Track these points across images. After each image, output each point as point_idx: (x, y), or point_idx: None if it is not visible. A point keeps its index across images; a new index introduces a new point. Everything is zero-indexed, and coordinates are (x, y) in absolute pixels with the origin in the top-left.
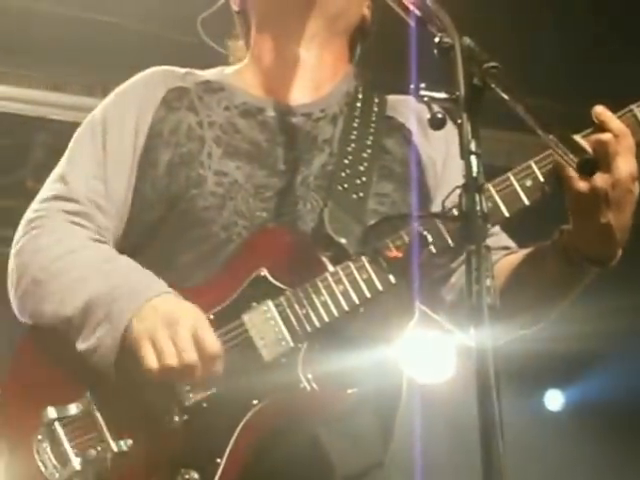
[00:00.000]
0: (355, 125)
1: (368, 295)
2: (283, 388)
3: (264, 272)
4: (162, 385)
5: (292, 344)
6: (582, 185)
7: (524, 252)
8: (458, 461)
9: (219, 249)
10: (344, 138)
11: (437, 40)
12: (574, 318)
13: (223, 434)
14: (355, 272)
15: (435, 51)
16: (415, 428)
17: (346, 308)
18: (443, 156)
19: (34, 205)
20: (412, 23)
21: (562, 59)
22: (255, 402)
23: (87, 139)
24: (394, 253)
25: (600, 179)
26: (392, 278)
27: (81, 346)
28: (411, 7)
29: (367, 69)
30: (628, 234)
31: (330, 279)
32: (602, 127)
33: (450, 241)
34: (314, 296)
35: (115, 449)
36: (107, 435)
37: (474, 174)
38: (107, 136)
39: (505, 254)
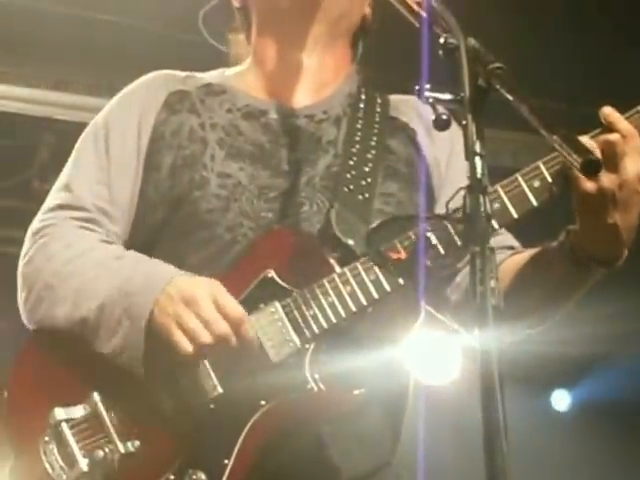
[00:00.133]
0: (359, 126)
1: (376, 296)
2: (290, 389)
3: (271, 273)
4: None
5: (299, 345)
6: (589, 185)
7: (530, 252)
8: (463, 463)
9: (225, 251)
10: (348, 139)
11: (442, 41)
12: (581, 319)
13: (231, 435)
14: (363, 273)
15: (440, 52)
16: (419, 430)
17: (353, 309)
18: (447, 156)
19: (39, 215)
20: (418, 24)
21: (569, 60)
22: (263, 403)
23: (90, 145)
24: (400, 254)
25: (607, 179)
26: (400, 279)
27: (104, 348)
28: (416, 8)
29: (369, 68)
30: (634, 234)
31: (337, 280)
32: (610, 128)
33: (459, 242)
34: (321, 297)
35: (122, 450)
36: (114, 436)
37: (478, 175)
38: (110, 141)
39: (511, 254)
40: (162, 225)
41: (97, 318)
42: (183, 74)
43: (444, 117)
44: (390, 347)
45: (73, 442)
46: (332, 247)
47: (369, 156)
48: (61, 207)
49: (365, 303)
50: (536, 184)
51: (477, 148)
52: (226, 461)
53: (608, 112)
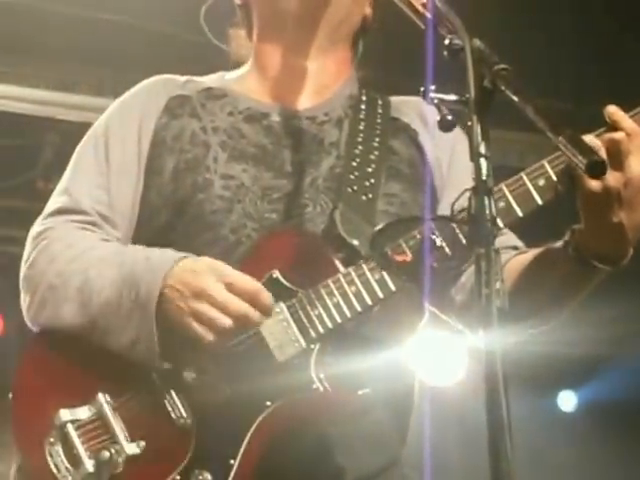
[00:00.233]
0: (361, 128)
1: (381, 296)
2: (296, 389)
3: (276, 274)
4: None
5: (304, 345)
6: (594, 184)
7: (534, 252)
8: (469, 463)
9: (229, 252)
10: (351, 141)
11: (447, 42)
12: (586, 321)
13: (236, 435)
14: (368, 273)
15: (445, 53)
16: (425, 430)
17: (359, 309)
18: (448, 156)
19: (39, 220)
20: (422, 26)
21: (573, 59)
22: (268, 403)
23: (90, 150)
24: (405, 256)
25: (612, 178)
26: (404, 279)
27: (120, 341)
28: (421, 9)
29: (369, 69)
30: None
31: (342, 280)
32: (615, 126)
33: (465, 243)
34: (326, 297)
35: (128, 451)
36: (120, 437)
37: (483, 177)
38: (110, 146)
39: (515, 254)
40: (166, 228)
41: (106, 315)
42: (183, 78)
43: (449, 118)
44: (395, 348)
45: (79, 443)
46: (337, 247)
47: (372, 157)
48: (61, 211)
49: (370, 303)
50: (541, 183)
51: (482, 149)
52: (232, 461)
53: (612, 111)
